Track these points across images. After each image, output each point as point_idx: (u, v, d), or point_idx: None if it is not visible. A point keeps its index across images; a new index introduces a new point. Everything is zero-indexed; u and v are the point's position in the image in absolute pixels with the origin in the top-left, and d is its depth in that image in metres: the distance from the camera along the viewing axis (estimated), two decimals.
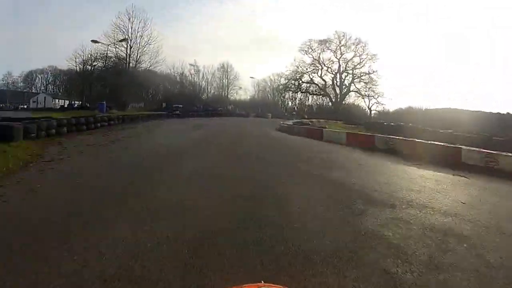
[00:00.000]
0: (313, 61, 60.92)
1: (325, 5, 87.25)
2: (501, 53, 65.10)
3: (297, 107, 65.50)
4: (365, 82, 57.34)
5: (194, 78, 62.86)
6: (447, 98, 78.12)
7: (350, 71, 58.08)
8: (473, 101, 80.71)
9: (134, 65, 41.79)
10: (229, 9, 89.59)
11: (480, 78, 63.89)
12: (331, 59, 59.21)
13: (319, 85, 61.28)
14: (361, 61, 57.37)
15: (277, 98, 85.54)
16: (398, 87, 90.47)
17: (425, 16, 78.71)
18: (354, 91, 58.37)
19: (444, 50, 77.23)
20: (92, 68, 42.57)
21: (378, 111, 57.81)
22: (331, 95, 59.67)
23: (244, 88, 71.98)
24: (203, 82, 64.02)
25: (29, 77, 62.57)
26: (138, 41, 42.68)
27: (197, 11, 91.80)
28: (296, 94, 67.34)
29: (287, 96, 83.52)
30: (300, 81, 62.86)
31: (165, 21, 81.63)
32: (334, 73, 59.38)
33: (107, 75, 40.93)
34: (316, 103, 76.53)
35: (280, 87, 67.66)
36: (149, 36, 43.07)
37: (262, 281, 1.11)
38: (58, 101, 53.36)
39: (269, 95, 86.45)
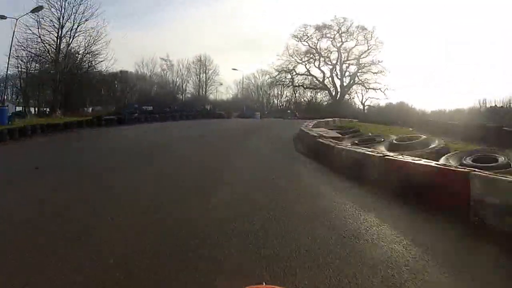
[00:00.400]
0: (309, 49, 52.29)
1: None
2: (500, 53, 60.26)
3: (292, 105, 58.02)
4: (373, 72, 49.12)
5: (167, 75, 54.39)
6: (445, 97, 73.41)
7: (353, 61, 50.37)
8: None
9: (65, 52, 30.95)
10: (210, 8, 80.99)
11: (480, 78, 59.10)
12: (328, 48, 50.99)
13: (317, 77, 52.80)
14: (369, 48, 49.03)
15: (262, 96, 78.96)
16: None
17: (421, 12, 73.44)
18: (360, 83, 50.21)
19: (444, 50, 71.95)
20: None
21: (370, 106, 51.60)
22: (331, 89, 51.49)
23: (227, 87, 64.40)
24: (177, 79, 55.50)
25: None
26: (73, 18, 30.80)
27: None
28: (285, 89, 59.22)
29: (272, 94, 77.30)
30: (294, 73, 54.30)
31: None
32: (333, 63, 51.01)
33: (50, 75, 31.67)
34: (305, 99, 70.42)
35: (269, 80, 58.67)
36: (88, 9, 30.88)
37: (264, 283, 1.05)
38: None
39: (253, 93, 79.46)
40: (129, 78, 48.73)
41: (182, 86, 55.64)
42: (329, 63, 51.84)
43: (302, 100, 71.52)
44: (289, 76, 55.13)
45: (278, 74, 56.08)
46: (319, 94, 55.55)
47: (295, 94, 71.59)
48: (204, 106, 46.45)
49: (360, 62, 50.00)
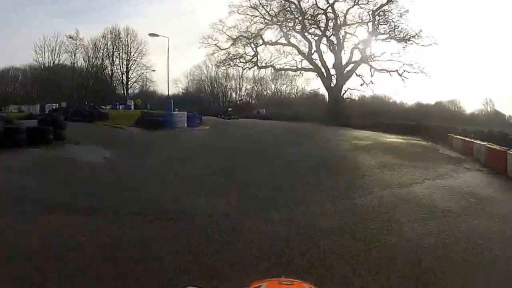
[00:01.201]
0: (284, 5, 31.41)
1: None
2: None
3: (254, 100, 46.82)
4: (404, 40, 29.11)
5: (73, 59, 39.75)
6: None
7: (356, 26, 31.51)
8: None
9: None
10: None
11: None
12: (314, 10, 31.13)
13: (302, 51, 31.86)
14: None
15: (217, 89, 67.59)
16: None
17: None
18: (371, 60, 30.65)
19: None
20: None
21: (351, 99, 36.94)
22: (324, 73, 31.38)
23: (175, 79, 52.18)
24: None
25: None
26: None
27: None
28: (245, 78, 44.21)
29: (229, 86, 66.27)
30: (258, 42, 32.97)
31: None
32: (322, 29, 31.11)
33: None
34: (269, 91, 61.12)
35: (221, 59, 35.00)
36: None
37: (283, 276, 1.04)
38: None
39: (206, 86, 67.74)
40: None
41: (90, 70, 40.53)
42: (317, 28, 31.75)
43: (266, 92, 62.76)
44: (250, 50, 33.60)
45: (233, 44, 33.11)
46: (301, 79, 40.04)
47: (257, 84, 61.41)
48: (125, 102, 33.67)
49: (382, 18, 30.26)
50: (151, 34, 23.98)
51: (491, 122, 27.65)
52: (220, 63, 35.00)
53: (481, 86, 57.36)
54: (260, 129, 18.38)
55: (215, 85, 65.10)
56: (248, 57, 33.78)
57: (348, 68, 31.18)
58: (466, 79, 48.52)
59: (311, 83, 50.24)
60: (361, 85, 30.88)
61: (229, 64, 34.67)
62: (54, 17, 56.33)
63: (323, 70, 31.35)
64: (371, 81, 30.63)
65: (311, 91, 40.56)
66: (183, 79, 64.87)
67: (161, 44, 73.38)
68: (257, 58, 33.88)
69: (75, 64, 39.29)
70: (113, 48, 39.81)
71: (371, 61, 30.94)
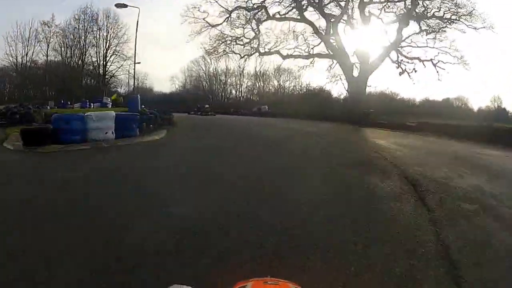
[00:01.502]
0: None
1: None
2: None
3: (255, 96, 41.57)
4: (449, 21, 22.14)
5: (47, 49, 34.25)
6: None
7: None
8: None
9: None
10: None
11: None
12: None
13: (319, 29, 23.86)
14: None
15: (217, 86, 61.33)
16: None
17: None
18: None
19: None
20: None
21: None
22: (346, 62, 23.33)
23: (172, 76, 46.51)
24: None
25: None
26: None
27: None
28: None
29: (229, 82, 59.87)
30: (262, 17, 24.81)
31: None
32: (342, 6, 23.41)
33: None
34: (271, 88, 54.58)
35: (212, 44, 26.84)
36: None
37: (269, 276, 0.99)
38: None
39: (205, 83, 61.68)
40: None
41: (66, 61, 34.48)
42: (336, 4, 23.73)
43: (269, 89, 56.26)
44: (249, 31, 25.25)
45: (227, 19, 24.90)
46: (312, 68, 27.32)
47: (259, 78, 54.89)
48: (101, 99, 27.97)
49: None
50: (118, 5, 18.30)
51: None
52: (212, 49, 26.51)
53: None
54: (244, 134, 12.27)
55: (214, 82, 59.39)
56: (246, 40, 25.45)
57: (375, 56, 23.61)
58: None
59: (314, 78, 43.57)
60: (400, 74, 23.84)
61: (224, 50, 26.30)
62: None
63: (344, 56, 23.20)
64: (414, 69, 23.42)
65: (316, 88, 35.32)
66: (181, 75, 59.61)
67: (154, 36, 67.64)
68: (259, 41, 25.50)
69: (48, 57, 33.72)
70: (85, 34, 33.95)
71: (400, 47, 23.68)
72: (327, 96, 35.88)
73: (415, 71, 23.20)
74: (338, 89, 48.75)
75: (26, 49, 33.18)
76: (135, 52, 20.48)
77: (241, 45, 25.49)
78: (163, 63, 73.75)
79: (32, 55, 33.48)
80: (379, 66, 22.90)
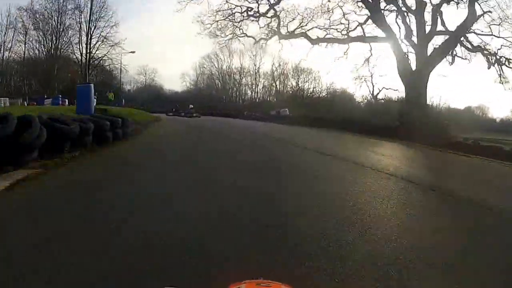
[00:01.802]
0: None
1: None
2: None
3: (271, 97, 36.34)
4: None
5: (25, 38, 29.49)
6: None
7: None
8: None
9: None
10: None
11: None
12: None
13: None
14: None
15: (231, 86, 55.82)
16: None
17: None
18: None
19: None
20: None
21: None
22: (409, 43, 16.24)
23: (183, 73, 42.18)
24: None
25: None
26: None
27: None
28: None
29: (245, 82, 54.06)
30: None
31: None
32: None
33: None
34: (290, 88, 48.11)
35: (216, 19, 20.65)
36: None
37: (261, 277, 0.98)
38: None
39: (218, 81, 56.42)
40: None
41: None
42: None
43: (286, 90, 49.98)
44: (265, 7, 19.49)
45: None
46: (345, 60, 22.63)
47: (275, 79, 48.25)
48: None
49: None
50: None
51: None
52: (216, 27, 20.32)
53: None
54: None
55: (227, 80, 54.09)
56: (261, 17, 19.04)
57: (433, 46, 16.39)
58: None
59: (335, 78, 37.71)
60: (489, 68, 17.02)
61: (234, 33, 20.24)
62: None
63: (399, 41, 16.19)
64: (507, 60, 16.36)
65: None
66: (192, 73, 55.12)
67: (166, 30, 63.27)
68: (279, 20, 19.29)
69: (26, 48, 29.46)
70: (59, 14, 29.17)
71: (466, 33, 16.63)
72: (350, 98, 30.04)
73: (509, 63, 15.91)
74: (362, 92, 41.65)
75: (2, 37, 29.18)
76: None
77: (256, 20, 19.24)
78: (171, 58, 69.43)
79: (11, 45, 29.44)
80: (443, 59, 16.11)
